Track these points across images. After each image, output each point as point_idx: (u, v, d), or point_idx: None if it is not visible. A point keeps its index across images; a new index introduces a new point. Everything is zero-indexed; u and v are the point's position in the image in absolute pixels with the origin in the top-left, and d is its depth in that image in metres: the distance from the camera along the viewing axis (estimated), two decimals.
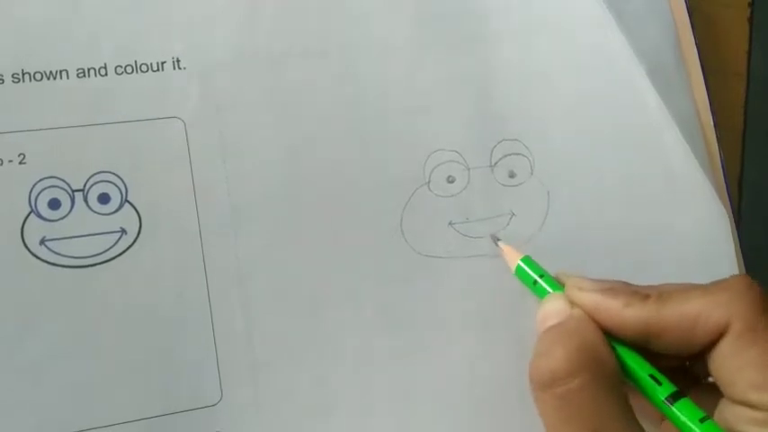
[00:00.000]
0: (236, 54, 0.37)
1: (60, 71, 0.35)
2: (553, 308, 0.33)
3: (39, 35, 0.35)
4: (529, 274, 0.35)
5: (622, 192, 0.40)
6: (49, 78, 0.35)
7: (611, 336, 0.32)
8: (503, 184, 0.39)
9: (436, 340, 0.37)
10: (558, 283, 0.35)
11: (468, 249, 0.38)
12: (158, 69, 0.36)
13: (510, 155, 0.39)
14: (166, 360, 0.34)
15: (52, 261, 0.34)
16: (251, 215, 0.36)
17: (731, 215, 0.42)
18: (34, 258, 0.34)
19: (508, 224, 0.39)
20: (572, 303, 0.33)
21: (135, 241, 0.35)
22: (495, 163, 0.39)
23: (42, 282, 0.34)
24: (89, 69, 0.36)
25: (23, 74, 0.35)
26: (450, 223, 0.38)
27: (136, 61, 0.36)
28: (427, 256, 0.38)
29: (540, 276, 0.35)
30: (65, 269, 0.34)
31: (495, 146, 0.39)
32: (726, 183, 0.43)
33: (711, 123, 0.43)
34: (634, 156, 0.40)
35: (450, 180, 0.38)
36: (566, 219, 0.39)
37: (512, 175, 0.39)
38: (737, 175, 0.46)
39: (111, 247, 0.35)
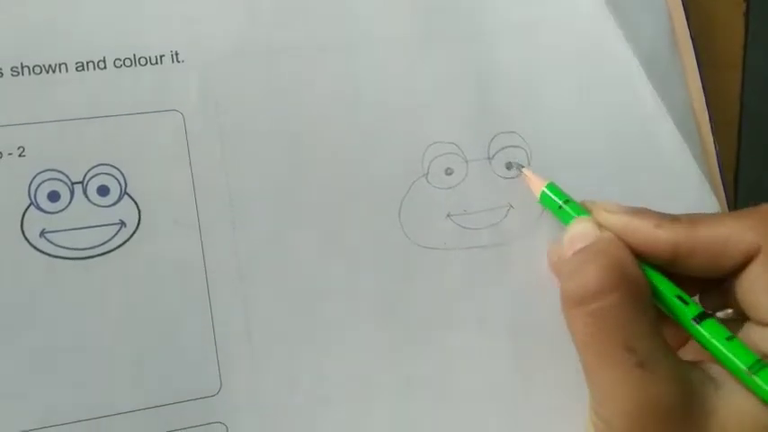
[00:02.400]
0: (236, 48, 0.37)
1: (59, 65, 0.36)
2: (581, 230, 0.34)
3: (38, 29, 0.36)
4: (554, 200, 0.37)
5: (618, 184, 0.40)
6: (48, 72, 0.36)
7: (638, 257, 0.33)
8: (500, 176, 0.39)
9: (435, 332, 0.37)
10: (583, 209, 0.36)
11: (466, 241, 0.38)
12: (157, 63, 0.37)
13: (507, 147, 0.39)
14: (166, 351, 0.35)
15: (52, 253, 0.34)
16: (250, 208, 0.36)
17: (726, 208, 0.42)
18: (34, 250, 0.34)
19: (506, 216, 0.39)
20: (600, 226, 0.34)
21: (134, 233, 0.35)
22: (493, 155, 0.39)
23: (42, 273, 0.34)
24: (88, 63, 0.36)
25: (23, 67, 0.35)
26: (448, 215, 0.38)
27: (135, 55, 0.36)
28: (426, 248, 0.38)
29: (565, 202, 0.36)
30: (64, 261, 0.34)
31: (493, 138, 0.39)
32: (721, 175, 0.43)
33: (707, 116, 0.43)
34: (630, 148, 0.41)
35: (449, 172, 0.38)
36: None
37: (509, 168, 0.39)
38: (733, 168, 0.46)
39: (110, 239, 0.35)
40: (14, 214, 0.34)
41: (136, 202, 0.35)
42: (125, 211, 0.35)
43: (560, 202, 0.36)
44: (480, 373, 0.38)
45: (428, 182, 0.38)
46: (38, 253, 0.34)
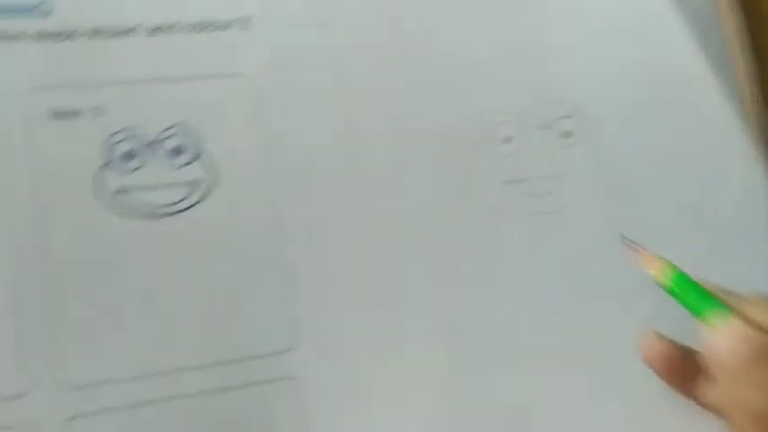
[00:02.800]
0: (304, 12, 0.38)
1: (134, 28, 0.36)
2: (743, 335, 0.31)
3: None
4: (685, 292, 0.33)
5: (672, 154, 0.41)
6: (122, 35, 0.36)
7: None
8: (558, 144, 0.40)
9: (495, 297, 0.38)
10: (718, 300, 0.33)
11: (524, 208, 0.39)
12: (226, 28, 0.37)
13: (565, 116, 0.40)
14: (239, 306, 0.35)
15: (127, 212, 0.35)
16: (317, 168, 0.37)
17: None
18: (110, 209, 0.35)
19: (563, 183, 0.40)
20: (752, 324, 0.31)
21: (207, 194, 0.36)
22: (551, 124, 0.40)
23: (118, 231, 0.35)
24: (161, 26, 0.37)
25: (98, 31, 0.36)
26: (506, 181, 0.39)
27: (204, 20, 0.37)
28: (486, 215, 0.39)
29: (695, 290, 0.33)
30: (140, 220, 0.35)
31: (551, 106, 0.40)
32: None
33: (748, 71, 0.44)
34: (683, 119, 0.42)
35: (507, 139, 0.39)
36: (619, 180, 0.40)
37: (566, 136, 0.40)
38: None
39: (183, 199, 0.36)
40: (90, 172, 0.35)
41: (208, 162, 0.36)
42: (197, 170, 0.36)
43: (693, 293, 0.33)
44: (542, 335, 0.38)
45: (486, 148, 0.39)
46: (113, 211, 0.35)
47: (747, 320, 0.31)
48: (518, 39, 0.41)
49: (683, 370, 0.34)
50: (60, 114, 0.35)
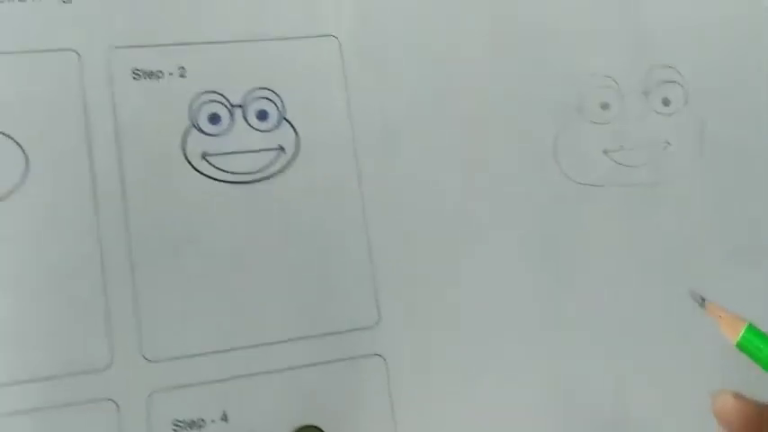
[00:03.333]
0: None
1: None
2: None
3: None
4: (760, 350, 0.30)
5: None
6: None
7: None
8: (657, 112, 0.38)
9: (588, 270, 0.36)
10: None
11: (623, 177, 0.37)
12: None
13: (665, 82, 0.38)
14: (323, 279, 0.34)
15: (213, 176, 0.33)
16: (402, 134, 0.36)
17: None
18: (196, 173, 0.33)
19: (663, 153, 0.37)
20: None
21: (292, 159, 0.34)
22: (650, 90, 0.38)
23: (204, 196, 0.33)
24: None
25: None
26: (604, 151, 0.37)
27: None
28: (581, 184, 0.37)
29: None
30: (225, 184, 0.33)
31: (650, 72, 0.38)
32: None
33: None
34: None
35: (605, 106, 0.37)
36: (721, 149, 0.38)
37: (666, 103, 0.38)
38: None
39: (269, 165, 0.34)
40: (176, 135, 0.33)
41: (294, 127, 0.34)
42: (283, 136, 0.34)
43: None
44: (632, 310, 0.36)
45: (584, 116, 0.37)
46: (200, 175, 0.33)
47: None
48: (617, 2, 0.38)
49: (760, 429, 0.32)
50: (143, 74, 0.33)
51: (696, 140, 0.37)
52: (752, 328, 0.30)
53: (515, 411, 0.34)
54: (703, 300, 0.32)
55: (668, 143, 0.38)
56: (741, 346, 0.31)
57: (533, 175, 0.36)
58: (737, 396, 0.32)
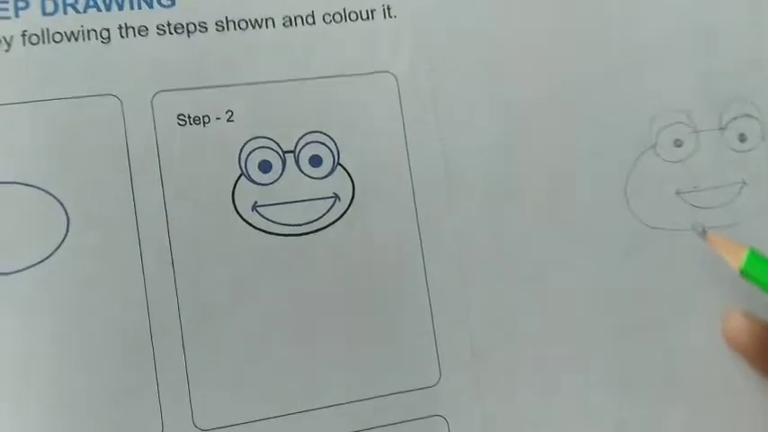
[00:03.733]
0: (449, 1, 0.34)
1: (266, 19, 0.32)
2: None
3: None
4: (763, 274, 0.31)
5: None
6: (254, 27, 0.32)
7: None
8: (733, 150, 0.35)
9: (661, 319, 0.34)
10: None
11: (698, 220, 0.35)
12: (368, 18, 0.33)
13: (741, 116, 0.36)
14: (381, 337, 0.32)
15: (265, 228, 0.31)
16: (465, 179, 0.33)
17: None
18: (247, 225, 0.31)
19: (739, 193, 0.35)
20: None
21: (348, 207, 0.32)
22: (726, 125, 0.35)
23: (255, 250, 0.31)
24: (296, 17, 0.33)
25: (227, 21, 0.32)
26: (677, 192, 0.35)
27: (345, 9, 0.33)
28: (653, 228, 0.34)
29: None
30: (278, 237, 0.31)
31: (726, 106, 0.35)
32: None
33: None
34: None
35: (678, 144, 0.35)
36: None
37: (742, 140, 0.35)
38: None
39: (324, 214, 0.32)
40: (226, 185, 0.31)
41: (349, 174, 0.32)
42: (339, 183, 0.32)
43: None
44: (708, 367, 0.34)
45: (656, 154, 0.35)
46: (251, 228, 0.31)
47: None
48: (691, 29, 0.35)
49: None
50: (189, 119, 0.31)
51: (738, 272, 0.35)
52: (754, 254, 0.31)
53: None
54: (704, 230, 0.32)
55: (744, 183, 0.35)
56: (745, 273, 0.31)
57: (604, 219, 0.34)
58: (747, 315, 0.31)
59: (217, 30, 0.32)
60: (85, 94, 0.30)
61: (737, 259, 0.32)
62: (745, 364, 0.33)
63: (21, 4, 0.30)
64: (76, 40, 0.31)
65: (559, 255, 0.33)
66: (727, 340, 0.33)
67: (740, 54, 0.36)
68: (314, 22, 0.33)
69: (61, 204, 0.30)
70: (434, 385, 0.32)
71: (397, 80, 0.33)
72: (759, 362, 0.33)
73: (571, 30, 0.35)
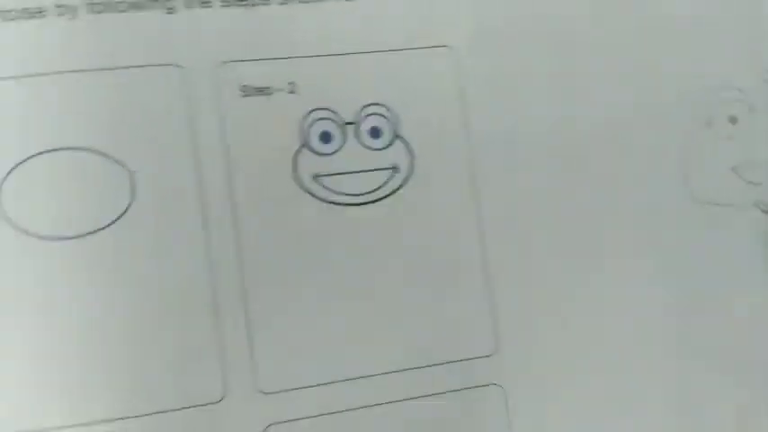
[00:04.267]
0: None
1: None
2: None
3: None
4: None
5: None
6: (316, 0, 0.32)
7: None
8: None
9: (718, 297, 0.34)
10: None
11: (753, 197, 0.35)
12: None
13: None
14: (438, 306, 0.32)
15: (326, 198, 0.32)
16: (524, 153, 0.33)
17: None
18: (309, 195, 0.32)
19: None
20: None
21: (406, 180, 0.32)
22: None
23: (318, 219, 0.32)
24: None
25: None
26: (733, 168, 0.35)
27: None
28: (709, 204, 0.34)
29: None
30: (338, 206, 0.32)
31: None
32: None
33: None
34: None
35: (733, 120, 0.35)
36: None
37: None
38: None
39: (382, 185, 0.32)
40: (287, 156, 0.32)
41: (408, 146, 0.32)
42: (397, 154, 0.32)
43: None
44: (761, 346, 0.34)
45: (711, 130, 0.35)
46: (312, 198, 0.32)
47: None
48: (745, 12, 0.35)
49: None
50: (252, 91, 0.31)
51: None
52: None
53: None
54: None
55: None
56: None
57: (659, 194, 0.34)
58: None
59: (280, 2, 0.32)
60: (149, 64, 0.31)
61: None
62: None
63: None
64: (141, 9, 0.31)
65: (614, 230, 0.34)
66: None
67: None
68: None
69: (127, 171, 0.30)
70: (491, 354, 0.32)
71: (456, 53, 0.33)
72: None
73: (625, 5, 0.35)
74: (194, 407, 0.30)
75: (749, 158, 0.35)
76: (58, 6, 0.30)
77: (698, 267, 0.34)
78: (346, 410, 0.31)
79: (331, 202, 0.32)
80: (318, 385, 0.31)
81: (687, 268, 0.34)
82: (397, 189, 0.32)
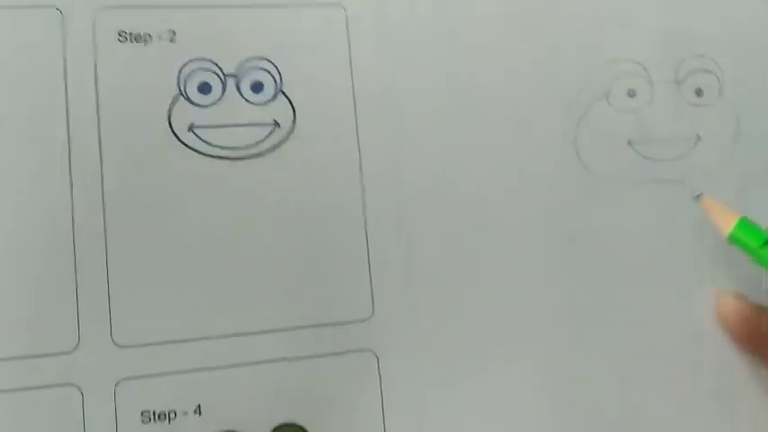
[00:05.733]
0: None
1: None
2: None
3: None
4: (749, 240, 0.31)
5: None
6: None
7: None
8: (689, 103, 0.35)
9: (608, 268, 0.33)
10: None
11: (648, 172, 0.34)
12: None
13: (698, 71, 0.35)
14: (314, 267, 0.31)
15: (200, 150, 0.31)
16: (411, 116, 0.33)
17: None
18: (181, 145, 0.31)
19: (694, 148, 0.34)
20: None
21: (288, 136, 0.32)
22: (682, 79, 0.35)
23: (190, 170, 0.31)
24: None
25: None
26: (629, 142, 0.34)
27: None
28: (602, 177, 0.34)
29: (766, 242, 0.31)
30: (213, 159, 0.31)
31: (683, 60, 0.35)
32: None
33: None
34: None
35: (632, 94, 0.34)
36: (756, 146, 0.35)
37: (699, 94, 0.35)
38: None
39: (262, 140, 0.31)
40: (162, 104, 0.31)
41: (291, 102, 0.32)
42: (279, 110, 0.32)
43: (760, 244, 0.31)
44: (654, 322, 0.33)
45: (609, 103, 0.34)
46: (186, 148, 0.31)
47: None
48: None
49: (756, 329, 0.32)
50: (129, 37, 0.31)
51: (729, 135, 0.34)
52: (744, 221, 0.31)
53: (514, 411, 0.32)
54: (699, 194, 0.32)
55: (699, 138, 0.34)
56: (733, 238, 0.31)
57: (551, 162, 0.33)
58: (738, 297, 0.32)
59: None
60: (30, 5, 0.30)
61: (728, 225, 0.31)
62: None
63: None
64: None
65: (504, 194, 0.33)
66: (717, 318, 0.33)
67: (700, 11, 0.35)
68: None
69: None
70: (367, 319, 0.31)
71: (346, 12, 0.33)
72: (748, 344, 0.33)
73: None
74: (47, 355, 0.28)
75: (647, 134, 0.34)
76: None
77: (584, 236, 0.33)
78: (205, 369, 0.30)
79: (205, 155, 0.31)
80: (177, 342, 0.30)
81: (573, 236, 0.33)
82: (278, 145, 0.32)
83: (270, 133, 0.32)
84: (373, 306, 0.31)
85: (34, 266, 0.29)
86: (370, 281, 0.31)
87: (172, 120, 0.31)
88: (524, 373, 0.32)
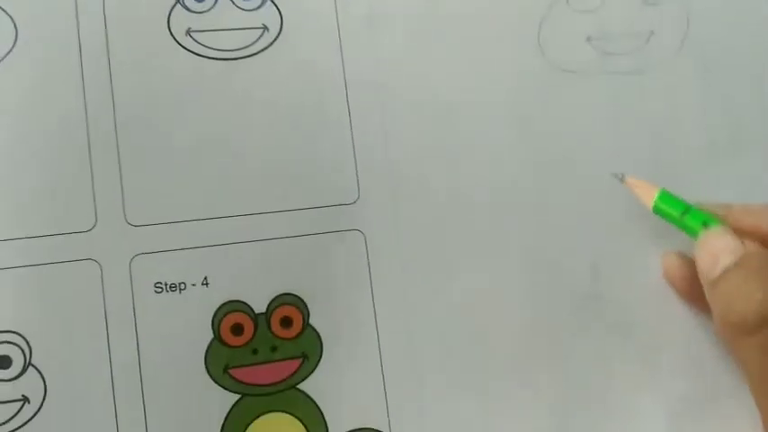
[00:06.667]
0: None
1: None
2: (723, 245, 0.32)
3: None
4: (672, 210, 0.34)
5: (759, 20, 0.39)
6: None
7: None
8: (643, 2, 0.38)
9: (571, 154, 0.37)
10: (711, 215, 0.33)
11: (606, 66, 0.37)
12: None
13: None
14: (306, 155, 0.35)
15: (198, 52, 0.34)
16: (390, 18, 0.36)
17: None
18: (181, 48, 0.34)
19: (647, 42, 0.38)
20: (740, 234, 0.32)
21: (276, 38, 0.35)
22: None
23: (189, 71, 0.34)
24: None
25: None
26: (588, 38, 0.37)
27: None
28: (564, 71, 0.37)
29: (686, 211, 0.34)
30: (210, 60, 0.34)
31: None
32: None
33: None
34: None
35: None
36: (706, 42, 0.38)
37: None
38: None
39: (253, 43, 0.35)
40: (161, 11, 0.34)
41: (278, 7, 0.35)
42: (268, 15, 0.35)
43: (680, 212, 0.34)
44: (610, 197, 0.37)
45: (568, 4, 0.37)
46: (185, 51, 0.34)
47: (735, 229, 0.32)
48: None
49: (697, 284, 0.33)
50: None
51: (681, 32, 0.37)
52: (664, 194, 0.34)
53: (495, 290, 0.35)
54: (623, 175, 0.35)
55: (652, 32, 0.38)
56: (657, 210, 0.34)
57: (517, 61, 0.37)
58: (681, 256, 0.34)
59: None
60: None
61: (650, 198, 0.34)
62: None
63: None
64: None
65: (476, 94, 0.36)
66: (665, 277, 0.36)
67: None
68: None
69: (10, 17, 0.32)
70: (354, 202, 0.35)
71: None
72: (682, 291, 0.35)
73: None
74: (65, 234, 0.32)
75: (604, 30, 0.37)
76: None
77: (549, 128, 0.37)
78: (211, 246, 0.33)
79: (202, 56, 0.34)
80: (184, 221, 0.33)
81: (539, 128, 0.37)
82: (267, 47, 0.35)
83: (260, 36, 0.35)
84: (359, 191, 0.35)
85: (51, 158, 0.32)
86: (356, 169, 0.35)
87: (171, 25, 0.34)
88: (497, 242, 0.35)
